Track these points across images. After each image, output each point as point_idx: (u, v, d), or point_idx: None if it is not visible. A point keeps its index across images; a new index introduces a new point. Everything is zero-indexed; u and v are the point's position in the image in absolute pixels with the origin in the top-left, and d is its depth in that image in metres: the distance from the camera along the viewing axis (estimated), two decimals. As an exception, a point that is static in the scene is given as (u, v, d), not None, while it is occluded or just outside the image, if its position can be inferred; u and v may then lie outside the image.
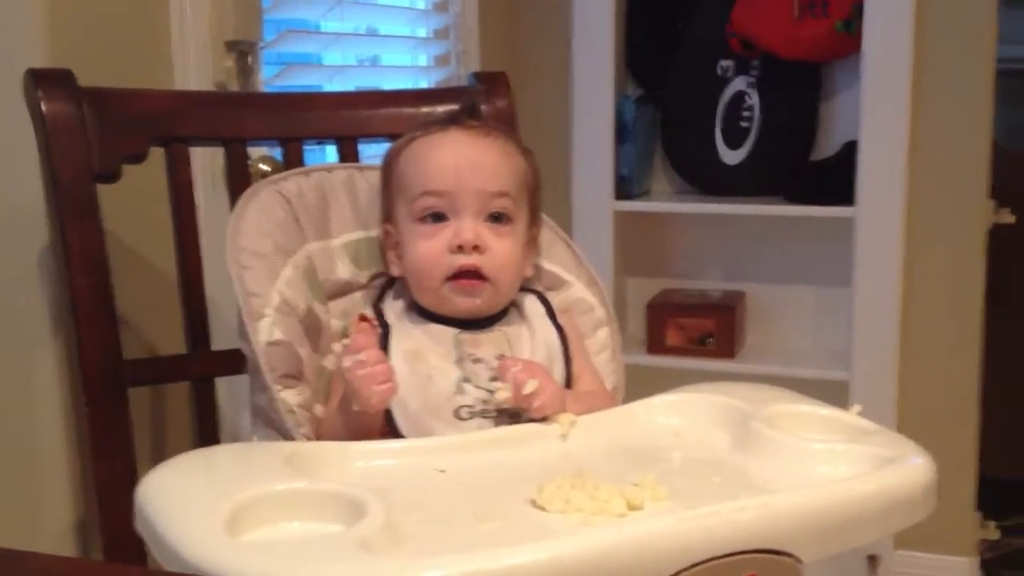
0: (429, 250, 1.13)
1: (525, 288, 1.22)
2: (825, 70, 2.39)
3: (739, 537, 0.84)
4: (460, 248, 1.12)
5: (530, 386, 1.06)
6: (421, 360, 1.11)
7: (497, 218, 1.14)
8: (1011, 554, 2.44)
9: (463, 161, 1.15)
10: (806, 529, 0.88)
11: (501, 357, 1.13)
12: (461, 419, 1.09)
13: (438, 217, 1.13)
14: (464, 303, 1.14)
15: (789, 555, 0.87)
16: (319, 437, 1.09)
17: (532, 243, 1.22)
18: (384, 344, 1.12)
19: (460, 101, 1.39)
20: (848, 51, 2.25)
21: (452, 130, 1.18)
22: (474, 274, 1.12)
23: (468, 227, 1.12)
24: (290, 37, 1.71)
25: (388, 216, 1.20)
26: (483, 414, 1.10)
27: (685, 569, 0.81)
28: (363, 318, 1.16)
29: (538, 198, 1.22)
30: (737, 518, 0.85)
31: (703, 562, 0.82)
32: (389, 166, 1.20)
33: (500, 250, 1.14)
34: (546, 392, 1.07)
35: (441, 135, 1.18)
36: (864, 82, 2.18)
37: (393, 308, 1.17)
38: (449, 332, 1.14)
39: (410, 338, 1.13)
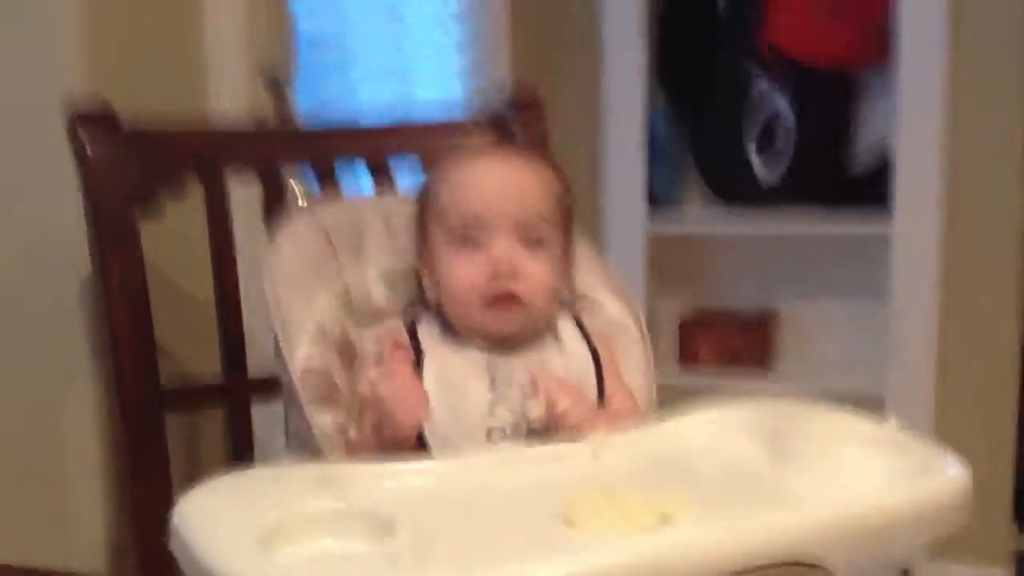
0: (466, 276, 1.14)
1: (560, 309, 1.23)
2: (858, 80, 2.37)
3: (771, 549, 0.84)
4: (496, 274, 1.14)
5: (563, 403, 1.07)
6: (454, 383, 1.12)
7: (533, 242, 1.16)
8: (1047, 565, 2.41)
9: (499, 186, 1.16)
10: (839, 540, 0.88)
11: (532, 380, 1.14)
12: (493, 442, 1.10)
13: (474, 242, 1.15)
14: (500, 326, 1.14)
15: (821, 568, 0.87)
16: (353, 449, 1.11)
17: (567, 266, 1.23)
18: (417, 368, 1.13)
19: (495, 130, 1.41)
20: (877, 58, 2.24)
21: (488, 156, 1.20)
22: (510, 299, 1.14)
23: (504, 252, 1.13)
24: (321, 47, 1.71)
25: (424, 242, 1.22)
26: (515, 437, 1.11)
27: (717, 580, 0.82)
28: (396, 342, 1.17)
29: (572, 222, 1.23)
30: (769, 530, 0.85)
31: (736, 574, 0.82)
32: (425, 192, 1.22)
33: (535, 274, 1.15)
34: (578, 409, 1.08)
35: (477, 162, 1.20)
36: (899, 91, 2.17)
37: (427, 333, 1.19)
38: (482, 355, 1.15)
39: (443, 361, 1.14)
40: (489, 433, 1.10)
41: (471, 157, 1.21)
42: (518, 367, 1.15)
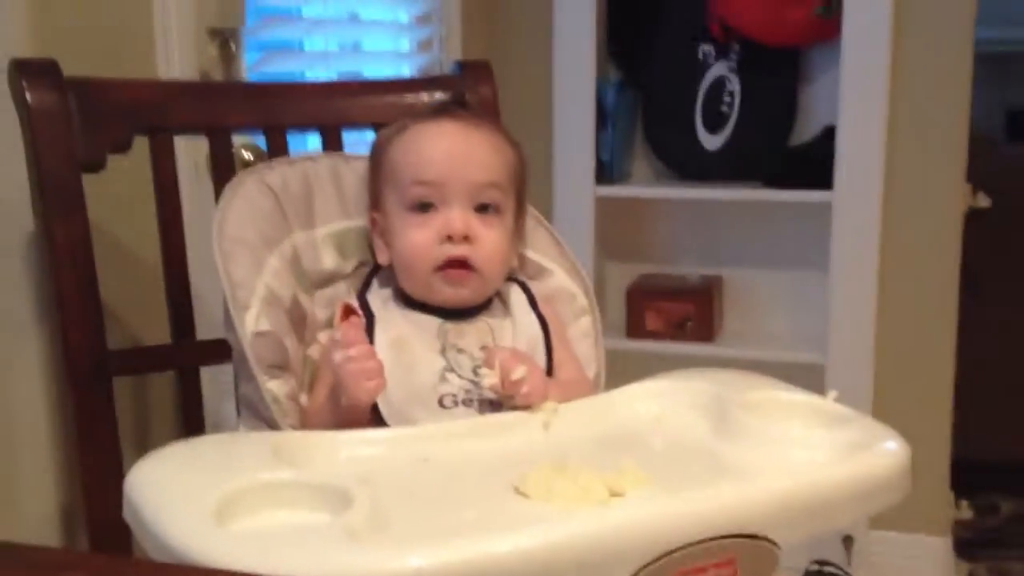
0: (419, 240, 1.14)
1: (509, 278, 1.23)
2: (804, 55, 2.40)
3: (718, 523, 0.86)
4: (450, 238, 1.13)
5: (518, 372, 1.07)
6: (405, 349, 1.12)
7: (485, 208, 1.16)
8: (984, 533, 2.48)
9: (454, 152, 1.16)
10: (783, 514, 0.90)
11: (484, 348, 1.14)
12: (444, 407, 1.10)
13: (427, 207, 1.14)
14: (452, 293, 1.15)
15: (767, 539, 0.89)
16: (305, 427, 1.10)
17: (518, 233, 1.23)
18: (369, 333, 1.13)
19: (443, 90, 1.40)
20: (827, 36, 2.26)
21: (443, 120, 1.19)
22: (462, 264, 1.14)
23: (458, 217, 1.13)
24: (272, 23, 1.71)
25: (376, 204, 1.21)
26: (466, 403, 1.11)
27: (666, 555, 0.83)
28: (347, 307, 1.16)
29: (524, 189, 1.23)
30: (716, 505, 0.87)
31: (683, 547, 0.84)
32: (378, 154, 1.21)
33: (489, 241, 1.15)
34: (533, 378, 1.09)
35: (432, 125, 1.19)
36: (843, 67, 2.19)
37: (378, 296, 1.18)
38: (434, 321, 1.15)
39: (394, 327, 1.14)
40: (441, 399, 1.11)
41: (426, 120, 1.20)
42: (469, 333, 1.15)
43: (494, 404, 1.11)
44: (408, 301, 1.17)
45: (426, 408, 1.10)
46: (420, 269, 1.14)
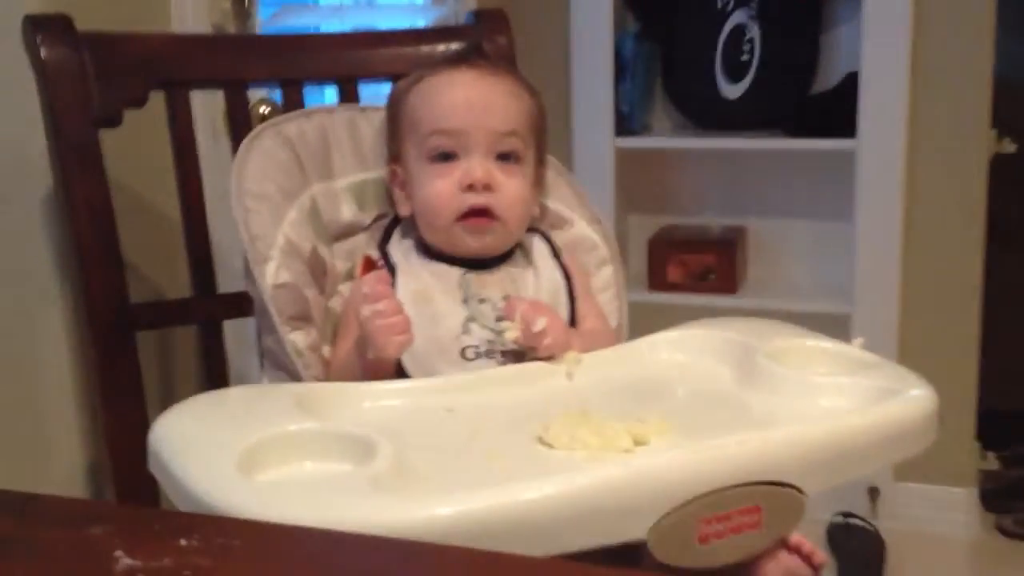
0: (440, 189, 1.13)
1: (531, 228, 1.22)
2: (826, 1, 2.37)
3: (743, 470, 0.86)
4: (471, 187, 1.12)
5: (540, 324, 1.07)
6: (427, 300, 1.12)
7: (506, 157, 1.15)
8: (1010, 485, 2.46)
9: (474, 100, 1.15)
10: (808, 462, 0.90)
11: (507, 298, 1.13)
12: (467, 359, 1.10)
13: (448, 156, 1.14)
14: (474, 242, 1.14)
15: (792, 487, 0.88)
16: (329, 378, 1.10)
17: (538, 183, 1.22)
18: (391, 285, 1.13)
19: (459, 40, 1.39)
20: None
21: (462, 69, 1.18)
22: (484, 213, 1.13)
23: (479, 166, 1.13)
24: (287, -23, 1.69)
25: (395, 155, 1.20)
26: (488, 354, 1.10)
27: (690, 501, 0.83)
28: (368, 259, 1.16)
29: (545, 138, 1.22)
30: (740, 451, 0.86)
31: (707, 494, 0.84)
32: (397, 104, 1.20)
33: (510, 189, 1.14)
34: (554, 330, 1.08)
35: (451, 74, 1.18)
36: (865, 13, 2.16)
37: (399, 248, 1.18)
38: (455, 272, 1.15)
39: (416, 279, 1.14)
40: (463, 351, 1.10)
41: (444, 69, 1.19)
42: (491, 283, 1.15)
43: (516, 355, 1.10)
44: (429, 252, 1.17)
45: (448, 360, 1.10)
46: (442, 219, 1.14)
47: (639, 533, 0.82)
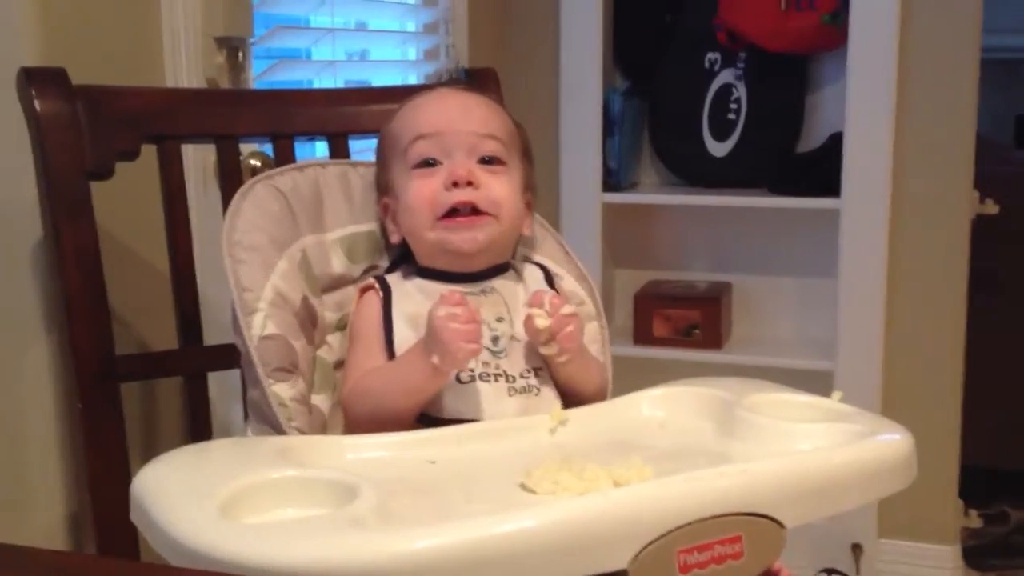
0: (424, 190, 1.15)
1: (527, 259, 1.24)
2: (811, 62, 2.41)
3: (722, 501, 0.87)
4: (455, 184, 1.14)
5: (568, 308, 1.10)
6: (422, 323, 1.12)
7: (489, 161, 1.17)
8: (993, 542, 2.47)
9: (452, 106, 1.19)
10: (787, 494, 0.91)
11: (500, 320, 1.14)
12: (462, 382, 1.10)
13: (431, 163, 1.16)
14: (462, 242, 1.14)
15: (772, 519, 0.89)
16: (355, 394, 1.11)
17: (527, 208, 1.24)
18: (386, 307, 1.14)
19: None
20: (834, 44, 2.27)
21: (440, 88, 1.24)
22: (470, 210, 1.14)
23: (461, 164, 1.14)
24: (280, 32, 1.72)
25: (385, 188, 1.22)
26: (483, 378, 1.11)
27: (671, 531, 0.83)
28: (366, 286, 1.17)
29: (531, 165, 1.24)
30: (719, 483, 0.88)
31: (688, 524, 0.84)
32: (382, 138, 1.23)
33: (495, 186, 1.15)
34: (577, 319, 1.12)
35: (430, 91, 1.23)
36: (850, 74, 2.19)
37: (396, 276, 1.19)
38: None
39: (411, 301, 1.14)
40: (458, 374, 1.11)
41: (425, 90, 1.24)
42: (486, 304, 1.15)
43: (510, 378, 1.11)
44: (422, 274, 1.18)
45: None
46: (426, 219, 1.15)
47: (620, 564, 0.82)
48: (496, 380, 1.11)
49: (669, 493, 0.86)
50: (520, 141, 1.22)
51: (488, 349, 1.12)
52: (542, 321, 1.09)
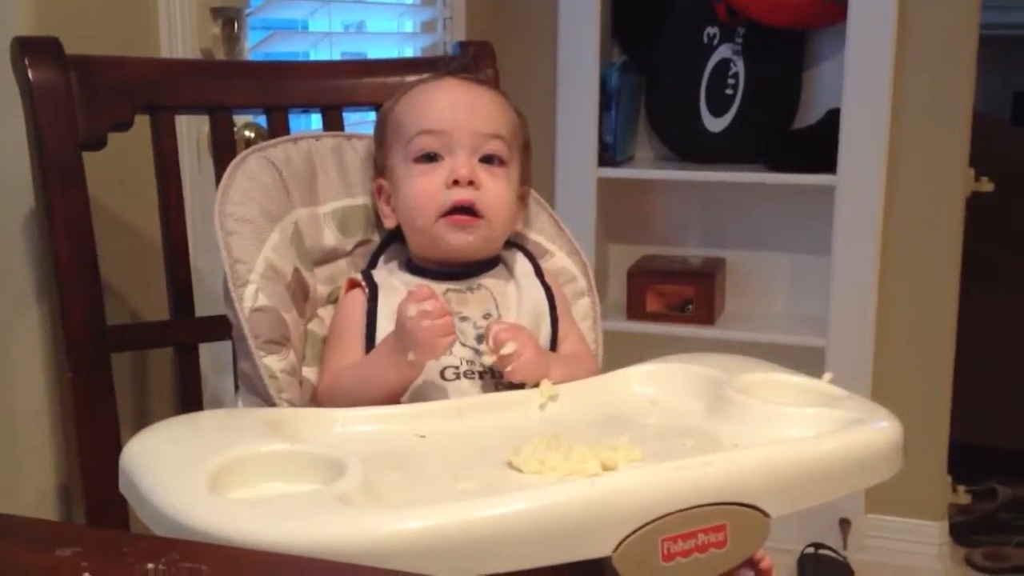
0: (425, 187, 1.15)
1: (515, 245, 1.24)
2: (810, 38, 2.40)
3: (707, 490, 0.87)
4: (456, 183, 1.14)
5: (508, 348, 1.08)
6: None
7: (490, 160, 1.17)
8: (980, 519, 2.49)
9: (459, 102, 1.18)
10: (772, 484, 0.91)
11: (487, 316, 1.15)
12: (446, 379, 1.11)
13: (432, 157, 1.16)
14: (458, 239, 1.15)
15: (757, 508, 0.90)
16: (332, 389, 1.11)
17: (521, 201, 1.24)
18: (372, 304, 1.14)
19: (447, 65, 1.41)
20: (833, 19, 2.26)
21: (447, 78, 1.22)
22: (468, 210, 1.14)
23: (464, 163, 1.14)
24: (276, 3, 1.71)
25: (381, 170, 1.22)
26: (467, 375, 1.12)
27: (655, 520, 0.84)
28: (352, 281, 1.18)
29: (529, 157, 1.24)
30: (705, 472, 0.88)
31: (672, 513, 0.85)
32: (384, 117, 1.23)
33: (493, 189, 1.16)
34: (523, 356, 1.09)
35: (436, 82, 1.21)
36: (848, 50, 2.19)
37: (383, 270, 1.20)
38: (437, 289, 1.15)
39: (398, 296, 1.14)
40: (443, 371, 1.11)
41: (431, 78, 1.22)
42: (472, 301, 1.16)
43: (495, 375, 1.12)
44: (412, 269, 1.18)
45: (428, 381, 1.11)
46: (425, 216, 1.15)
47: (604, 550, 0.83)
48: (481, 377, 1.12)
49: (654, 481, 0.86)
50: (521, 135, 1.22)
51: (472, 348, 1.13)
52: (488, 359, 1.10)
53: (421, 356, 1.05)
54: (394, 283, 1.16)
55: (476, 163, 1.15)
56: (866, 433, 0.99)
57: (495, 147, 1.17)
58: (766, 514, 0.90)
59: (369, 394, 1.08)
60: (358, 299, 1.16)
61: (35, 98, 1.13)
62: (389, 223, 1.21)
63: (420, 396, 1.10)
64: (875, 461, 0.98)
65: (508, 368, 1.09)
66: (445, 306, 1.06)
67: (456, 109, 1.17)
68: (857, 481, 1.00)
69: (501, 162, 1.18)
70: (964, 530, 2.43)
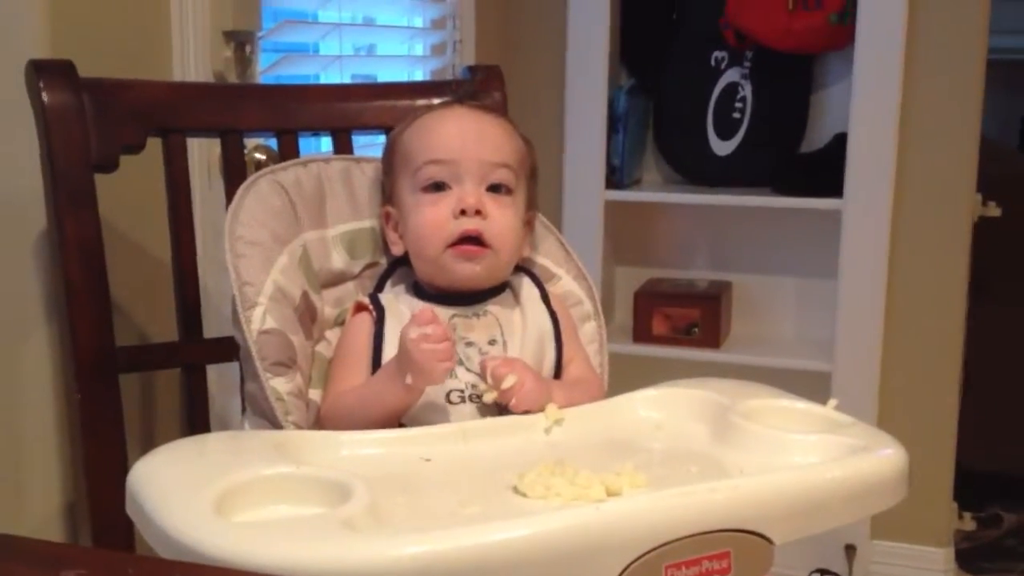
0: (432, 216, 1.15)
1: (522, 269, 1.24)
2: (817, 62, 2.41)
3: (712, 517, 0.88)
4: (463, 213, 1.14)
5: (507, 381, 1.09)
6: None
7: (498, 189, 1.17)
8: (986, 545, 2.48)
9: (467, 131, 1.18)
10: (776, 511, 0.92)
11: (493, 342, 1.15)
12: (451, 403, 1.12)
13: (440, 186, 1.16)
14: (465, 269, 1.16)
15: (762, 536, 0.90)
16: (334, 410, 1.12)
17: (528, 226, 1.25)
18: (379, 328, 1.15)
19: (456, 90, 1.42)
20: (841, 43, 2.27)
21: (455, 106, 1.22)
22: (475, 240, 1.15)
23: (471, 192, 1.15)
24: (288, 27, 1.72)
25: (389, 197, 1.23)
26: (472, 399, 1.12)
27: (660, 546, 0.84)
28: (359, 305, 1.18)
29: (535, 184, 1.25)
30: (710, 499, 0.88)
31: (677, 540, 0.85)
32: (391, 146, 1.23)
33: (501, 218, 1.16)
34: (524, 387, 1.10)
35: (445, 110, 1.22)
36: (856, 74, 2.19)
37: (390, 293, 1.20)
38: (443, 314, 1.16)
39: (404, 321, 1.15)
40: (448, 395, 1.12)
41: (438, 108, 1.23)
42: (478, 327, 1.17)
43: (498, 405, 1.12)
44: (419, 294, 1.19)
45: (432, 404, 1.11)
46: (433, 247, 1.16)
47: (608, 577, 0.83)
48: (485, 406, 1.12)
49: (659, 508, 0.86)
50: (528, 162, 1.23)
51: (477, 373, 1.13)
52: (489, 396, 1.10)
53: (418, 380, 1.05)
54: (401, 308, 1.17)
55: (483, 192, 1.16)
56: (871, 461, 0.99)
57: (502, 176, 1.18)
58: (771, 541, 0.90)
59: (368, 416, 1.08)
60: (365, 322, 1.16)
61: (49, 120, 1.14)
62: (396, 250, 1.22)
63: (425, 419, 1.10)
64: (880, 489, 0.98)
65: (512, 401, 1.09)
66: (447, 331, 1.06)
67: (464, 138, 1.17)
68: (862, 509, 1.00)
69: (508, 191, 1.18)
70: (970, 556, 2.42)
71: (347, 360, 1.16)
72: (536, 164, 1.25)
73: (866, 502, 0.99)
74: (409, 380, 1.05)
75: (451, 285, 1.17)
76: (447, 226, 1.15)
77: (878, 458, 0.99)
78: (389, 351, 1.13)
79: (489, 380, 1.10)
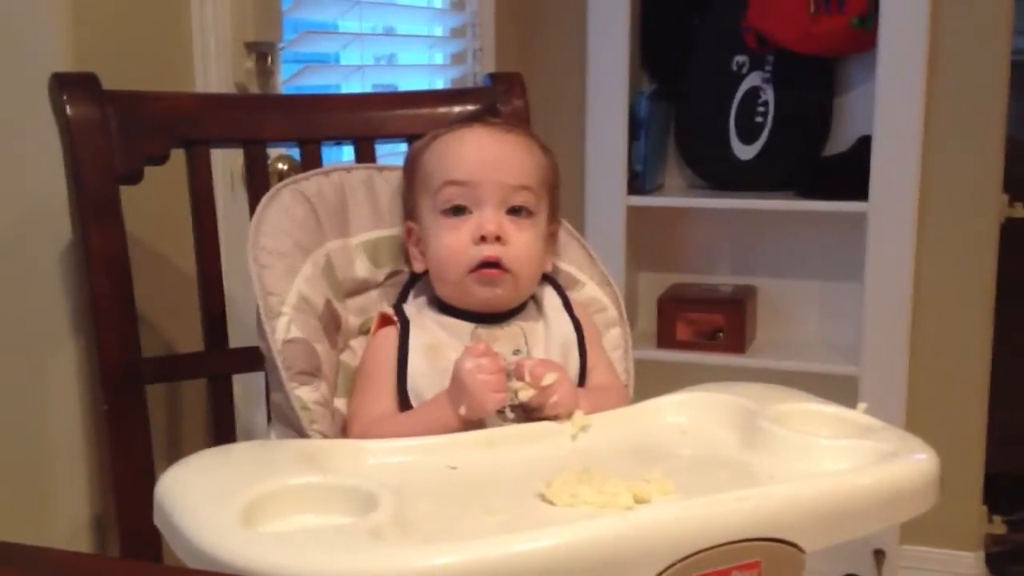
0: (453, 242, 1.15)
1: (545, 277, 1.24)
2: (839, 65, 2.40)
3: (742, 526, 0.87)
4: (483, 239, 1.14)
5: (548, 379, 1.08)
6: (439, 355, 1.13)
7: (518, 211, 1.17)
8: (1016, 549, 2.46)
9: (487, 154, 1.18)
10: (807, 519, 0.91)
11: (517, 352, 1.15)
12: None
13: (461, 210, 1.16)
14: (485, 293, 1.16)
15: (792, 544, 0.89)
16: (372, 436, 1.11)
17: (551, 240, 1.25)
18: (403, 339, 1.15)
19: (475, 102, 1.42)
20: (863, 47, 2.26)
21: (475, 126, 1.22)
22: (496, 265, 1.15)
23: (491, 218, 1.15)
24: (309, 37, 1.73)
25: (411, 213, 1.23)
26: (498, 411, 1.12)
27: (689, 556, 0.84)
28: (383, 316, 1.18)
29: (557, 196, 1.25)
30: (740, 507, 0.87)
31: (706, 549, 0.85)
32: (413, 163, 1.23)
33: (521, 242, 1.16)
34: (563, 387, 1.10)
35: (464, 131, 1.21)
36: (879, 77, 2.18)
37: (413, 305, 1.20)
38: (467, 327, 1.16)
39: (428, 333, 1.15)
40: None
41: (460, 126, 1.22)
42: (501, 337, 1.17)
43: (525, 410, 1.12)
44: (442, 307, 1.19)
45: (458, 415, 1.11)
46: (454, 272, 1.16)
47: (637, 587, 0.82)
48: (511, 411, 1.12)
49: (689, 517, 0.86)
50: (550, 177, 1.22)
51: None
52: (524, 394, 1.10)
53: (471, 411, 1.06)
54: (425, 322, 1.17)
55: (503, 216, 1.16)
56: (903, 467, 0.98)
57: (522, 198, 1.17)
58: (801, 549, 0.90)
59: None
60: (390, 337, 1.16)
61: (73, 133, 1.15)
62: (418, 266, 1.22)
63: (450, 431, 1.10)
64: (911, 495, 0.97)
65: (553, 399, 1.09)
66: (500, 362, 1.07)
67: (483, 161, 1.17)
68: (893, 515, 0.99)
69: (528, 213, 1.18)
70: (1000, 560, 2.40)
71: (372, 380, 1.15)
72: (558, 177, 1.24)
73: (898, 508, 0.98)
74: (463, 411, 1.06)
75: (472, 307, 1.17)
76: (468, 252, 1.15)
77: (910, 464, 0.98)
78: (414, 363, 1.13)
79: (527, 378, 1.09)
